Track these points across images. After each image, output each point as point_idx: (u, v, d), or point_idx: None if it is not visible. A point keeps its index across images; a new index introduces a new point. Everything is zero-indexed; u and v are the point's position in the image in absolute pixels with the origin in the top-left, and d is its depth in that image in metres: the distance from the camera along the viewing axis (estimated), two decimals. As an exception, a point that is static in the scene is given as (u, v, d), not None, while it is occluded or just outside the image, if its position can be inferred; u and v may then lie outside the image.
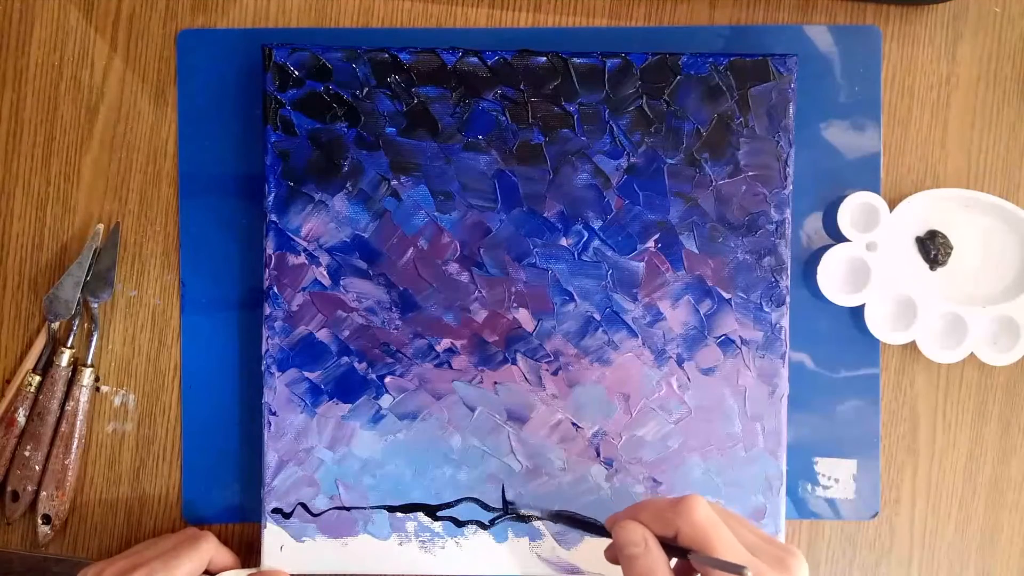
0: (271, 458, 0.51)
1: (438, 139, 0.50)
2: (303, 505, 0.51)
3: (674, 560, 0.41)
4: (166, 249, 0.53)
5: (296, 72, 0.50)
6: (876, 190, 0.53)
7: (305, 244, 0.51)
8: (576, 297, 0.51)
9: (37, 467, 0.52)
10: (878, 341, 0.53)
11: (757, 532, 0.42)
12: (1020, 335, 0.52)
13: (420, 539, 0.51)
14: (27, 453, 0.52)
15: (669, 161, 0.51)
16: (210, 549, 0.49)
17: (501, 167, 0.51)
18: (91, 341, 0.53)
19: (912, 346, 0.53)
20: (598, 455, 0.51)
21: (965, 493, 0.54)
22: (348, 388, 0.51)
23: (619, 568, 0.42)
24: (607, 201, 0.51)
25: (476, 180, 0.51)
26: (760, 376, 0.51)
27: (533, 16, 0.54)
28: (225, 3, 0.54)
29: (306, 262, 0.51)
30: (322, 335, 0.51)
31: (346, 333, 0.51)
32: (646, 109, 0.50)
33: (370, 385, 0.51)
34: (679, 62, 0.50)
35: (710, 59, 0.50)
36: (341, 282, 0.51)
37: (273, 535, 0.51)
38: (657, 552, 0.40)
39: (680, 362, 0.51)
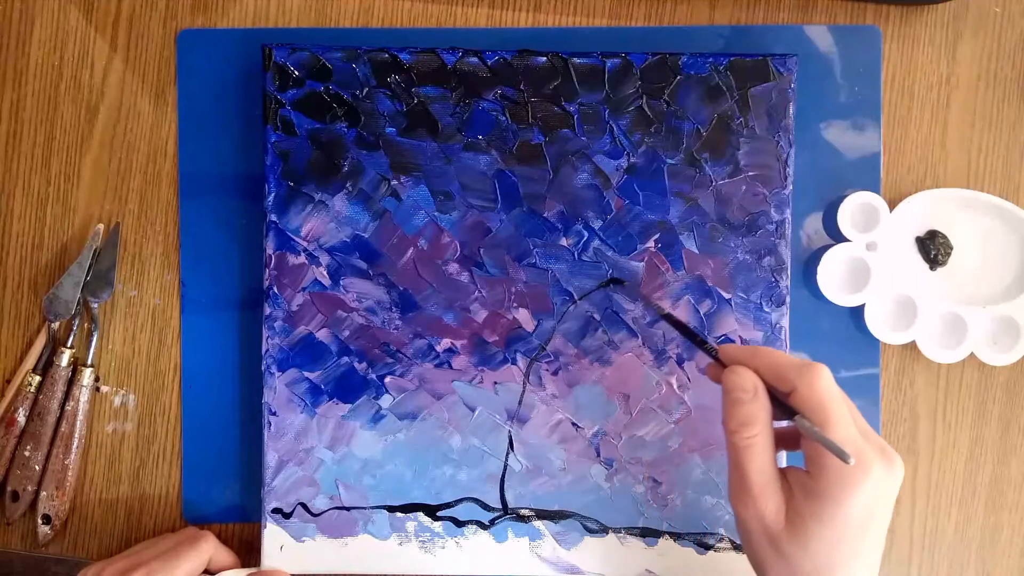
0: (271, 458, 0.51)
1: (438, 139, 0.50)
2: (303, 505, 0.51)
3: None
4: (166, 249, 0.53)
5: (296, 72, 0.50)
6: (876, 190, 0.53)
7: (305, 244, 0.51)
8: (576, 297, 0.51)
9: (37, 467, 0.52)
10: (878, 341, 0.53)
11: (866, 424, 0.42)
12: (1020, 335, 0.52)
13: (420, 539, 0.51)
14: (27, 453, 0.52)
15: (669, 161, 0.51)
16: (210, 549, 0.49)
17: (501, 167, 0.51)
18: (91, 341, 0.53)
19: (912, 346, 0.53)
20: (598, 455, 0.51)
21: (965, 493, 0.54)
22: (348, 388, 0.51)
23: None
24: (607, 201, 0.51)
25: (476, 180, 0.51)
26: (760, 376, 0.51)
27: (533, 16, 0.54)
28: (225, 3, 0.54)
29: (306, 262, 0.51)
30: (322, 335, 0.51)
31: (346, 333, 0.51)
32: (646, 109, 0.50)
33: (370, 385, 0.51)
34: (679, 62, 0.50)
35: (710, 59, 0.50)
36: (341, 282, 0.51)
37: (273, 535, 0.51)
38: (764, 402, 0.41)
39: (680, 362, 0.51)
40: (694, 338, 0.46)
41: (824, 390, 0.40)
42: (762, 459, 0.41)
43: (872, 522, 0.40)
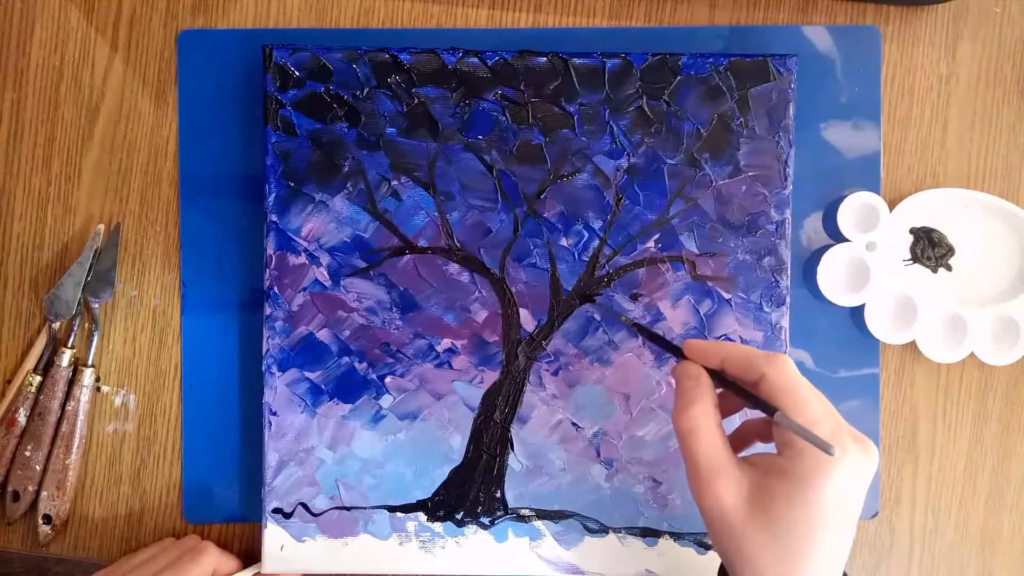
0: (271, 458, 0.51)
1: (438, 139, 0.51)
2: (303, 505, 0.51)
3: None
4: (167, 249, 0.54)
5: (296, 72, 0.50)
6: (876, 190, 0.53)
7: (305, 244, 0.51)
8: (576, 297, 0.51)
9: (38, 467, 0.52)
10: (878, 341, 0.53)
11: (836, 411, 0.41)
12: (1020, 335, 0.52)
13: (420, 539, 0.51)
14: (28, 453, 0.52)
15: (669, 161, 0.51)
16: (212, 560, 0.49)
17: (501, 167, 0.51)
18: (92, 341, 0.53)
19: (912, 346, 0.53)
20: (598, 455, 0.51)
21: (965, 493, 0.54)
22: (348, 388, 0.51)
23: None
24: (607, 201, 0.51)
25: (476, 180, 0.51)
26: (760, 376, 0.51)
27: (533, 16, 0.54)
28: (225, 3, 0.54)
29: (306, 262, 0.51)
30: (322, 335, 0.51)
31: (346, 333, 0.51)
32: (646, 109, 0.50)
33: (370, 385, 0.51)
34: (679, 62, 0.50)
35: (710, 59, 0.50)
36: (341, 282, 0.51)
37: (273, 535, 0.51)
38: (707, 388, 0.42)
39: (680, 362, 0.51)
40: (664, 344, 0.46)
41: (792, 374, 0.40)
42: (708, 441, 0.40)
43: (844, 508, 0.38)
